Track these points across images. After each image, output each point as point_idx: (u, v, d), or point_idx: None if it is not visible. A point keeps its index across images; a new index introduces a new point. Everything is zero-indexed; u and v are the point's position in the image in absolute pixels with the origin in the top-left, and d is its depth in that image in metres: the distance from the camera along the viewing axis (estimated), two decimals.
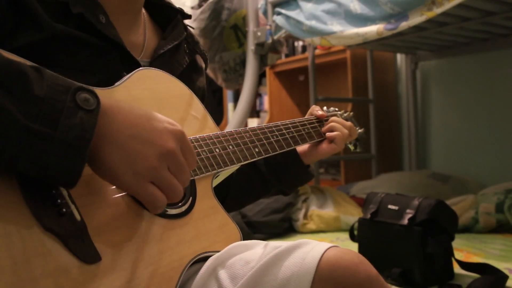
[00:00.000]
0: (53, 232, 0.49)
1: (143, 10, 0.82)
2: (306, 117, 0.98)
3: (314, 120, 0.97)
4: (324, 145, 0.95)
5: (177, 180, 0.56)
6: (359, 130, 1.06)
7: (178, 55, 0.82)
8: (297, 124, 0.92)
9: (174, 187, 0.55)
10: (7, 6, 0.60)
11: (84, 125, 0.48)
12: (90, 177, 0.55)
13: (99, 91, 0.52)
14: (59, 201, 0.51)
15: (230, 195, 0.92)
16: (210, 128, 0.78)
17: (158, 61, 0.77)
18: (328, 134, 0.95)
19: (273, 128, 0.86)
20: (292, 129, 0.90)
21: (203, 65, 0.92)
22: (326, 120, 0.98)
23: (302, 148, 0.97)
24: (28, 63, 0.49)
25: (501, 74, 2.58)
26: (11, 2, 0.60)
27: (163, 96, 0.72)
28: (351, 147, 1.08)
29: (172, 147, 0.54)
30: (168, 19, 0.84)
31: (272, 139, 0.85)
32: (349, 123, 0.99)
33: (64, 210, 0.50)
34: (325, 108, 1.03)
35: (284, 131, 0.88)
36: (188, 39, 0.87)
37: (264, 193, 0.97)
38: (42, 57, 0.61)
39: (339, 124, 0.96)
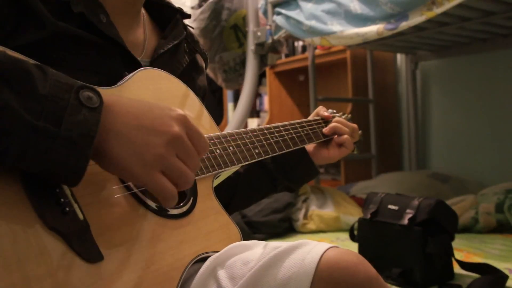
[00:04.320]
0: (56, 231, 0.49)
1: (143, 10, 0.82)
2: (309, 118, 0.99)
3: (315, 122, 0.98)
4: (334, 150, 0.96)
5: (187, 166, 0.55)
6: (359, 132, 1.07)
7: (178, 54, 0.82)
8: (296, 126, 0.93)
9: (185, 174, 0.54)
10: (9, 5, 0.60)
11: (88, 122, 0.48)
12: (92, 177, 0.55)
13: (101, 90, 0.52)
14: (62, 200, 0.51)
15: (238, 194, 0.93)
16: (210, 128, 0.79)
17: (159, 60, 0.77)
18: (336, 139, 0.96)
19: (273, 130, 0.87)
20: (291, 131, 0.91)
21: (203, 64, 0.92)
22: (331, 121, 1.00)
23: (309, 148, 0.98)
24: (32, 61, 0.49)
25: (501, 74, 2.58)
26: (13, 0, 0.60)
27: (164, 96, 0.72)
28: None
29: (177, 131, 0.54)
30: (168, 19, 0.84)
31: (271, 140, 0.86)
32: (353, 124, 1.00)
33: (67, 209, 0.51)
34: (330, 110, 1.04)
35: (284, 133, 0.89)
36: (188, 38, 0.87)
37: (271, 191, 0.98)
38: (43, 56, 0.61)
39: (344, 126, 0.97)
